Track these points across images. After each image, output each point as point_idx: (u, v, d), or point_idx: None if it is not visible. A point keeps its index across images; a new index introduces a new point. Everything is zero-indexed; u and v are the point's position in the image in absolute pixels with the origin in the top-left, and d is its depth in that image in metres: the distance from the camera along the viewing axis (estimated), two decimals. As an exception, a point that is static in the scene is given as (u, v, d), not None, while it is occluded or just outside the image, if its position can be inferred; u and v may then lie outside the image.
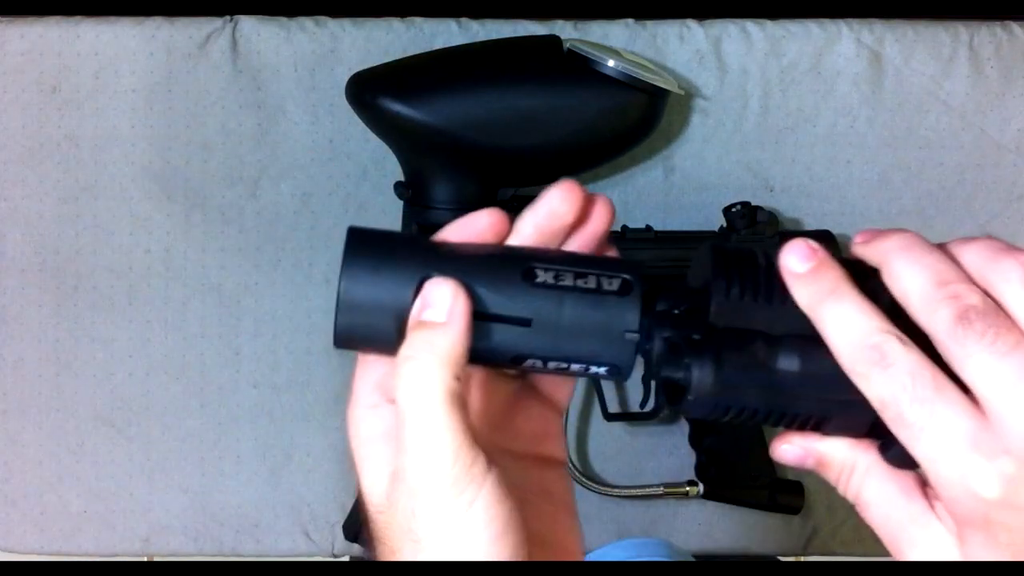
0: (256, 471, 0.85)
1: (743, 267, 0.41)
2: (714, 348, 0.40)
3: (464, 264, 0.41)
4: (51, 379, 0.83)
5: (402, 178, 0.79)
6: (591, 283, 0.41)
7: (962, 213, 0.85)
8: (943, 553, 0.39)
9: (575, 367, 0.42)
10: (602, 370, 0.42)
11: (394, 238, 0.42)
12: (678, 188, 0.84)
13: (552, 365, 0.42)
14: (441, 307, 0.40)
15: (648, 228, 0.78)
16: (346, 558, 0.87)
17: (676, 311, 0.42)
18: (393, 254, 0.41)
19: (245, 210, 0.82)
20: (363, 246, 0.42)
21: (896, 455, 0.40)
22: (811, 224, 0.84)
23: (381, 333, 0.41)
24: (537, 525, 0.42)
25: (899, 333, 0.38)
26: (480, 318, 0.41)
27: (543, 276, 0.41)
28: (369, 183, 0.83)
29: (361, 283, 0.41)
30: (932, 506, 0.40)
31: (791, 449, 0.43)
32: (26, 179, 0.81)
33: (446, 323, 0.40)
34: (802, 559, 0.94)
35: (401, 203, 0.79)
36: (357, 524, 0.80)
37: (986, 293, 0.38)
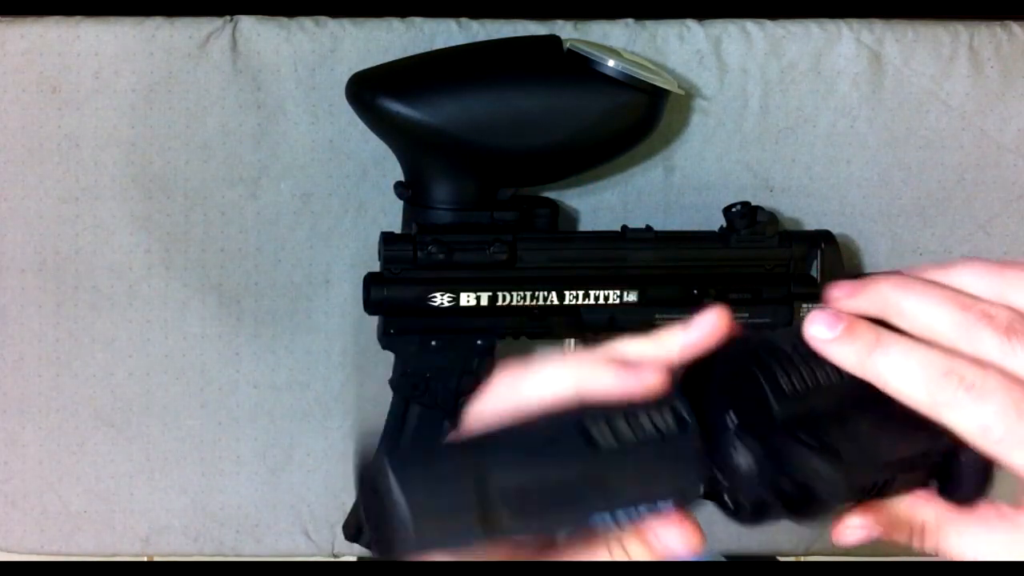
0: (256, 471, 0.85)
1: (778, 357, 0.40)
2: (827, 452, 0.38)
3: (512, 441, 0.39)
4: (51, 379, 0.83)
5: (402, 178, 0.79)
6: (647, 435, 0.39)
7: (962, 213, 0.85)
8: None
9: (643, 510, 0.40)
10: (668, 503, 0.41)
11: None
12: (678, 188, 0.84)
13: (621, 517, 0.40)
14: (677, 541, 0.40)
15: (648, 228, 0.78)
16: (346, 558, 0.87)
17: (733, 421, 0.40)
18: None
19: (245, 210, 0.82)
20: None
21: (965, 490, 0.40)
22: (811, 224, 0.84)
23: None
24: None
25: (964, 359, 0.37)
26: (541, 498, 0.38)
27: (596, 434, 0.39)
28: (369, 183, 0.83)
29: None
30: None
31: (855, 530, 0.42)
32: (26, 179, 0.81)
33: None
34: (802, 559, 0.94)
35: (401, 203, 0.79)
36: (357, 524, 0.80)
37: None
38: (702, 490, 0.41)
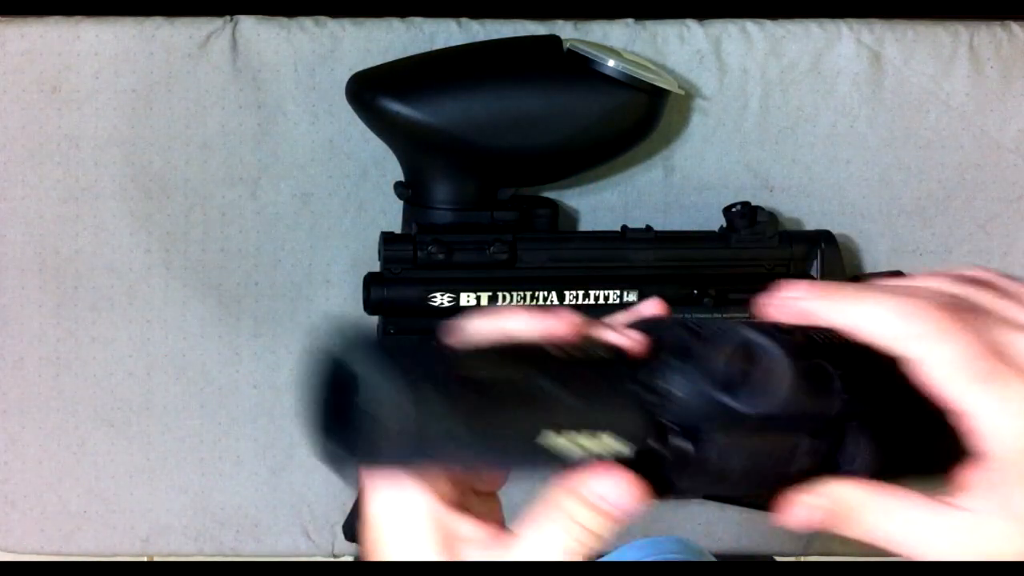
0: (256, 471, 0.85)
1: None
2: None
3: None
4: (51, 379, 0.83)
5: (402, 178, 0.79)
6: (599, 354, 0.42)
7: (962, 213, 0.85)
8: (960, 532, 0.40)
9: (584, 438, 0.41)
10: (611, 442, 0.41)
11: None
12: (678, 188, 0.84)
13: (563, 440, 0.40)
14: (610, 490, 0.41)
15: (648, 228, 0.78)
16: (346, 558, 0.87)
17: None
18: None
19: (245, 210, 0.82)
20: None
21: (861, 461, 0.41)
22: (811, 224, 0.84)
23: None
24: None
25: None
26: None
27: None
28: (369, 183, 0.83)
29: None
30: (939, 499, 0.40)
31: (800, 509, 0.42)
32: (26, 179, 0.81)
33: (609, 514, 0.41)
34: (802, 559, 0.94)
35: (401, 203, 0.79)
36: (357, 524, 0.80)
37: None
38: (638, 431, 0.41)
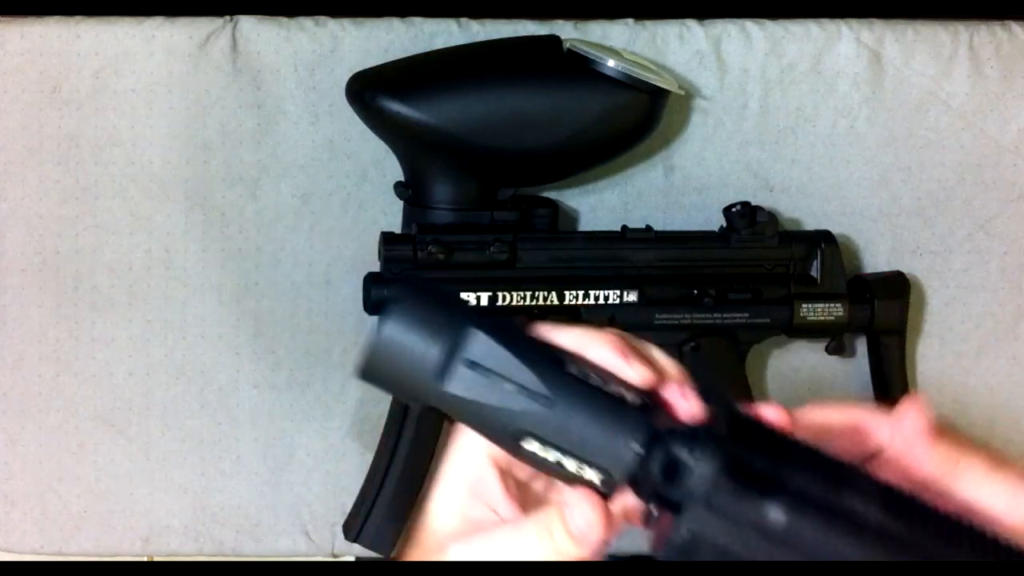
0: (256, 471, 0.85)
1: None
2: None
3: (506, 330, 0.43)
4: (51, 379, 0.83)
5: (402, 178, 0.79)
6: (613, 391, 0.43)
7: (962, 213, 0.85)
8: None
9: (568, 462, 0.43)
10: (592, 474, 0.43)
11: (442, 296, 0.44)
12: (678, 188, 0.84)
13: (550, 455, 0.43)
14: (578, 529, 0.43)
15: (648, 228, 0.78)
16: (346, 558, 0.87)
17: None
18: (441, 306, 0.43)
19: (245, 210, 0.82)
20: (412, 294, 0.43)
21: None
22: (811, 224, 0.84)
23: (408, 378, 0.43)
24: None
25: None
26: (497, 378, 0.42)
27: (573, 368, 0.43)
28: (369, 183, 0.83)
29: (405, 324, 0.43)
30: None
31: None
32: (26, 179, 0.81)
33: (577, 544, 0.43)
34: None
35: (401, 203, 0.79)
36: (357, 524, 0.80)
37: None
38: (624, 477, 0.43)
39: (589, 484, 0.43)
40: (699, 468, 0.41)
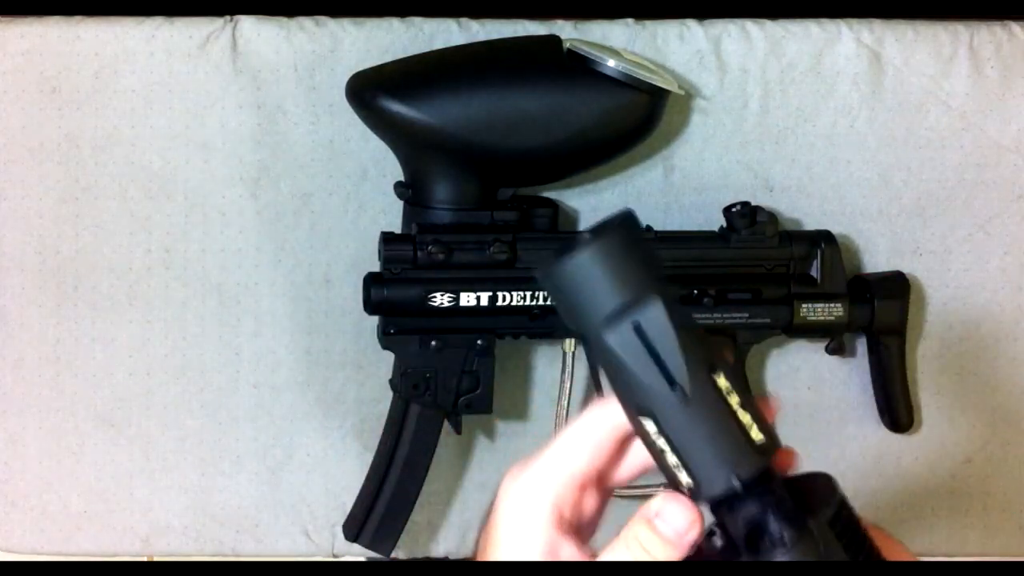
0: (256, 471, 0.85)
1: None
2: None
3: (684, 316, 0.44)
4: (51, 379, 0.83)
5: (402, 178, 0.79)
6: (745, 420, 0.43)
7: (962, 213, 0.85)
8: None
9: (671, 456, 0.44)
10: (685, 478, 0.44)
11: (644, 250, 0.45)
12: (678, 188, 0.84)
13: (660, 441, 0.43)
14: (675, 531, 0.45)
15: (648, 228, 0.78)
16: (346, 558, 0.87)
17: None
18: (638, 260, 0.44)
19: (245, 210, 0.82)
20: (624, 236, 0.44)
21: None
22: (811, 224, 0.84)
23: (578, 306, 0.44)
24: None
25: None
26: (652, 352, 0.43)
27: (720, 379, 0.43)
28: (369, 183, 0.83)
29: (603, 258, 0.43)
30: None
31: None
32: (26, 179, 0.81)
33: (672, 546, 0.44)
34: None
35: (401, 203, 0.79)
36: (357, 524, 0.80)
37: None
38: (712, 497, 0.44)
39: (677, 483, 0.44)
40: (779, 552, 0.42)
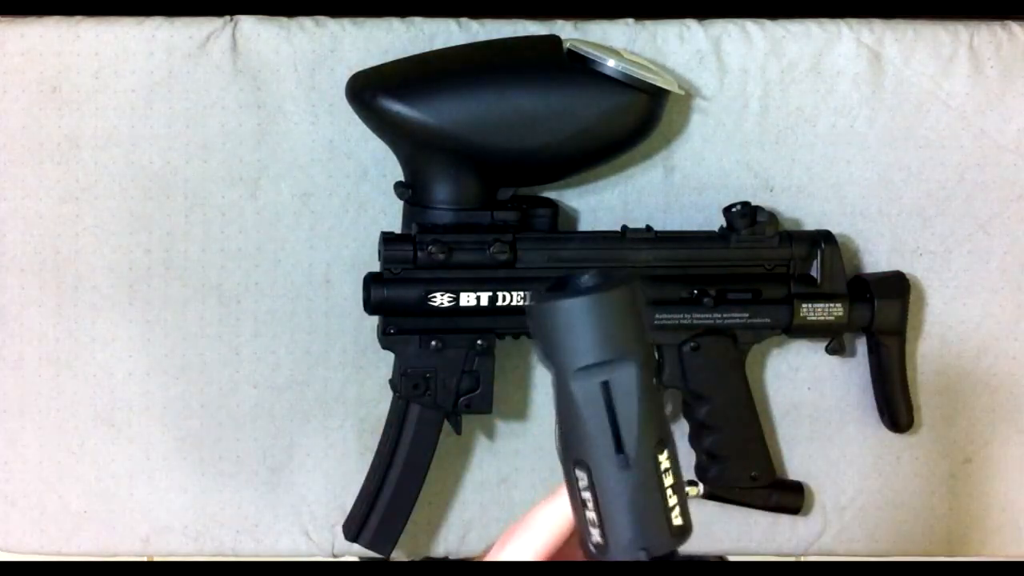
0: (256, 471, 0.85)
1: None
2: None
3: (649, 388, 0.44)
4: (51, 379, 0.83)
5: (402, 178, 0.79)
6: (671, 502, 0.44)
7: (962, 213, 0.85)
8: None
9: (590, 514, 0.44)
10: (596, 537, 0.45)
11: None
12: (678, 188, 0.84)
13: (585, 495, 0.44)
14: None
15: (648, 228, 0.78)
16: (346, 558, 0.87)
17: None
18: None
19: (245, 210, 0.82)
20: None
21: None
22: (811, 224, 0.84)
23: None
24: None
25: None
26: (609, 413, 0.43)
27: (662, 457, 0.44)
28: (369, 183, 0.83)
29: (594, 313, 0.43)
30: None
31: None
32: (26, 179, 0.81)
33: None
34: (802, 559, 0.94)
35: (401, 203, 0.79)
36: (357, 524, 0.80)
37: None
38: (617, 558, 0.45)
39: (587, 535, 0.45)
40: None
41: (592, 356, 0.43)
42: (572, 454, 0.44)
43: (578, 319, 0.42)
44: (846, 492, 0.87)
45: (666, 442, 0.44)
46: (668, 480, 0.44)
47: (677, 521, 0.44)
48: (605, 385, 0.43)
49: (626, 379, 0.43)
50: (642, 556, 0.43)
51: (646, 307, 0.44)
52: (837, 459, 0.86)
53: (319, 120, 0.82)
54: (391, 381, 0.78)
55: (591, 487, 0.44)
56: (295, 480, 0.85)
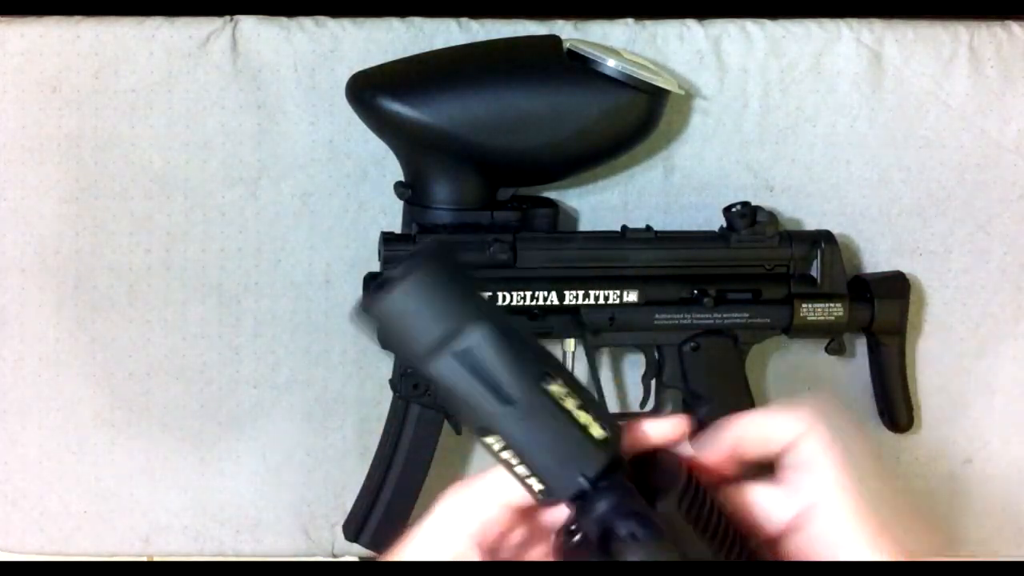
0: (256, 471, 0.85)
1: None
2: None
3: (506, 333, 0.44)
4: (51, 379, 0.83)
5: (402, 178, 0.79)
6: (583, 419, 0.45)
7: (962, 213, 0.85)
8: None
9: (519, 468, 0.45)
10: (536, 486, 0.45)
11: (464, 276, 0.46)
12: (678, 188, 0.84)
13: (506, 455, 0.45)
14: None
15: (648, 228, 0.78)
16: (346, 558, 0.87)
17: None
18: (459, 288, 0.45)
19: (245, 210, 0.82)
20: (439, 264, 0.45)
21: None
22: (811, 224, 0.84)
23: (406, 340, 0.44)
24: None
25: None
26: (479, 376, 0.44)
27: (553, 386, 0.44)
28: (369, 183, 0.83)
29: (418, 294, 0.44)
30: None
31: None
32: (26, 179, 0.81)
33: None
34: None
35: (401, 203, 0.79)
36: (357, 524, 0.80)
37: None
38: (565, 497, 0.45)
39: (532, 491, 0.45)
40: (631, 552, 0.43)
41: (431, 335, 0.43)
42: (473, 426, 0.45)
43: (403, 309, 0.43)
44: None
45: (551, 371, 0.45)
46: (570, 403, 0.44)
47: (598, 433, 0.45)
48: (458, 355, 0.44)
49: (475, 341, 0.44)
50: (582, 482, 0.44)
51: (465, 266, 0.45)
52: (837, 459, 0.86)
53: (319, 120, 0.82)
54: (391, 381, 0.78)
55: (505, 446, 0.44)
56: (295, 480, 0.85)
